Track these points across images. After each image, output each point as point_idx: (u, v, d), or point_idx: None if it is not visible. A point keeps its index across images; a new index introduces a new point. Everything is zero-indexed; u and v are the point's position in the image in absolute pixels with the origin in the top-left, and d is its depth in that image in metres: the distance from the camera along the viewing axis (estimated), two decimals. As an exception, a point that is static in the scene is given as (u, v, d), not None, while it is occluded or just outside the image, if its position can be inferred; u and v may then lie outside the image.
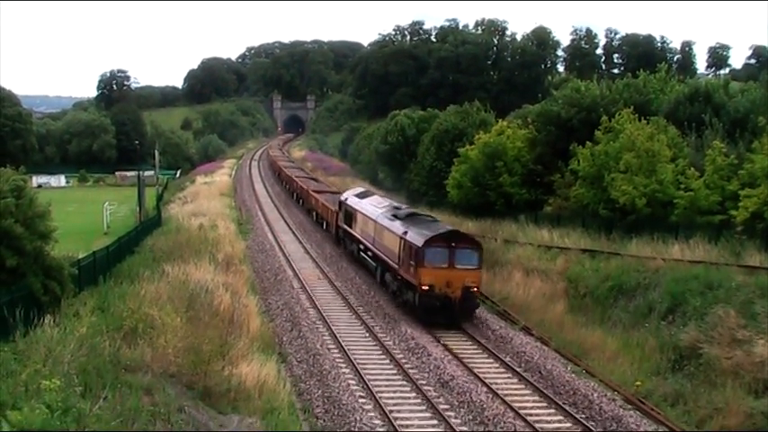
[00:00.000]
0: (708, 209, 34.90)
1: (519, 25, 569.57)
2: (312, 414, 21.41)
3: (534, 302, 33.32)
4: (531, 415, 21.73)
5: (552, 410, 22.56)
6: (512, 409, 22.07)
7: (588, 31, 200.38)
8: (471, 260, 30.81)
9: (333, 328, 29.85)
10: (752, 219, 31.55)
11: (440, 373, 25.14)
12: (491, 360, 27.18)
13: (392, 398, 22.78)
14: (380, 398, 22.40)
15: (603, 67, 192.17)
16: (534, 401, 23.28)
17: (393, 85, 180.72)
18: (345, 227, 44.67)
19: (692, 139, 41.97)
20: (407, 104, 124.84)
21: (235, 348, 23.01)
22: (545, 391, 23.84)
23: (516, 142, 50.83)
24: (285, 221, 60.84)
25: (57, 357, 16.10)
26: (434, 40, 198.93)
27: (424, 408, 22.30)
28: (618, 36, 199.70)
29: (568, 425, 21.52)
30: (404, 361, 26.42)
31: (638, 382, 23.71)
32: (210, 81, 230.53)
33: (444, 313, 30.26)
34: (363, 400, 22.34)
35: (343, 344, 27.68)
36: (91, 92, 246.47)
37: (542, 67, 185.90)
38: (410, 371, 25.27)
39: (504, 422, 21.17)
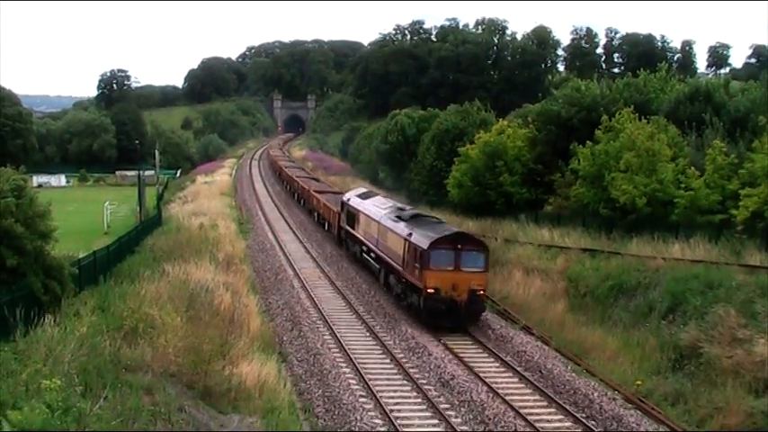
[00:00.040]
0: (708, 208, 34.90)
1: (519, 25, 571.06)
2: (312, 413, 21.42)
3: (534, 302, 33.32)
4: (531, 414, 21.73)
5: (552, 410, 22.57)
6: (512, 408, 22.07)
7: (588, 30, 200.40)
8: (478, 262, 30.16)
9: (333, 327, 29.85)
10: (752, 218, 31.56)
11: (440, 372, 25.14)
12: (491, 359, 27.18)
13: (392, 397, 22.79)
14: (381, 397, 22.40)
15: (604, 66, 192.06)
16: (535, 401, 23.28)
17: (393, 84, 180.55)
18: (348, 228, 44.08)
19: (693, 139, 41.97)
20: (408, 104, 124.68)
21: (235, 348, 23.02)
22: (545, 390, 23.84)
23: (516, 142, 50.82)
24: (285, 221, 60.85)
25: (57, 357, 16.11)
26: (435, 39, 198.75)
27: (424, 407, 22.31)
28: (618, 35, 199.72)
29: (569, 424, 21.53)
30: (404, 360, 26.43)
31: (639, 382, 23.72)
32: (211, 80, 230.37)
33: (450, 317, 29.60)
34: (364, 400, 22.34)
35: (343, 343, 27.69)
36: (91, 91, 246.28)
37: (542, 66, 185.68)
38: (410, 370, 25.28)
39: (505, 421, 21.17)
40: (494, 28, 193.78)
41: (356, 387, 23.37)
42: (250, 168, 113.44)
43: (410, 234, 31.72)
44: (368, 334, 29.71)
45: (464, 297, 29.38)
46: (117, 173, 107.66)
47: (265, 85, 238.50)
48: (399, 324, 30.87)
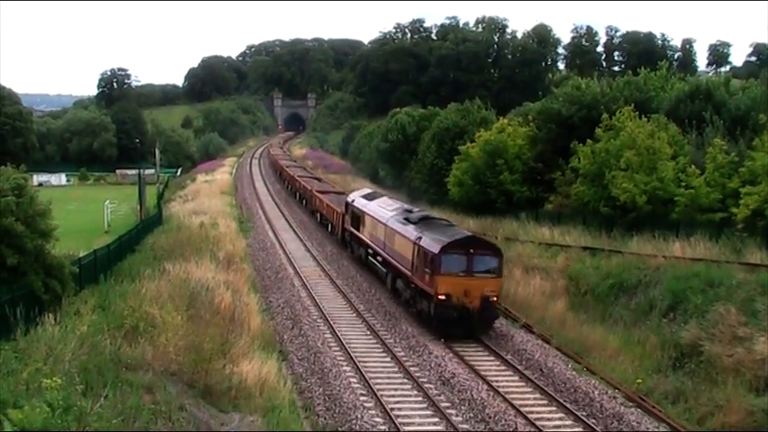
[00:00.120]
0: (708, 206, 34.91)
1: (519, 23, 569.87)
2: (313, 412, 21.41)
3: (535, 300, 33.30)
4: (532, 413, 21.74)
5: (553, 408, 22.58)
6: (513, 406, 22.08)
7: (589, 28, 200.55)
8: (491, 267, 29.03)
9: (334, 325, 29.86)
10: (752, 216, 31.57)
11: (441, 370, 25.15)
12: (492, 358, 27.18)
13: (393, 396, 22.79)
14: (381, 396, 22.41)
15: (604, 64, 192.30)
16: (535, 399, 23.29)
17: (394, 82, 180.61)
18: (352, 230, 42.97)
19: (693, 137, 41.99)
20: (408, 102, 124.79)
21: (236, 346, 23.01)
22: (546, 388, 23.84)
23: (517, 140, 50.83)
24: (286, 219, 60.86)
25: (58, 356, 16.12)
26: (435, 37, 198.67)
27: (425, 405, 22.31)
28: (618, 34, 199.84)
29: (569, 422, 21.52)
30: (405, 359, 26.44)
31: (639, 380, 23.72)
32: (211, 79, 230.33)
33: (462, 325, 28.39)
34: (364, 398, 22.35)
35: (344, 342, 27.70)
36: (91, 90, 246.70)
37: (543, 64, 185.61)
38: (411, 368, 25.29)
39: (506, 420, 21.18)
40: (494, 26, 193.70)
41: (357, 385, 23.38)
42: (250, 167, 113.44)
43: (420, 237, 30.63)
44: (368, 332, 29.71)
45: (476, 304, 28.18)
46: (117, 172, 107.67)
47: (266, 83, 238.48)
48: (400, 322, 30.87)
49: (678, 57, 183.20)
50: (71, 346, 16.83)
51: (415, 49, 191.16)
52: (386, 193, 51.78)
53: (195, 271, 31.81)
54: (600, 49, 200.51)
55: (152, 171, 79.91)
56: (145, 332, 20.80)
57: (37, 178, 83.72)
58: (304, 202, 66.80)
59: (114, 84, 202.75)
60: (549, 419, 21.58)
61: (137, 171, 67.97)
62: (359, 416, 20.79)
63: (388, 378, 24.49)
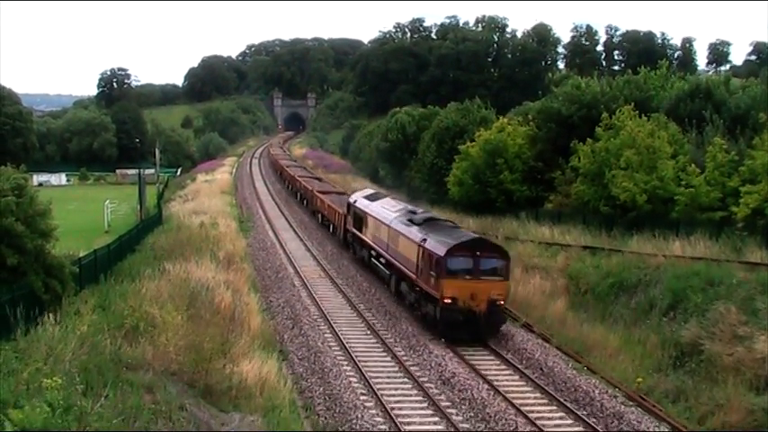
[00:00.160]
0: (708, 205, 34.92)
1: (519, 22, 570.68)
2: (314, 412, 21.41)
3: (535, 299, 33.29)
4: (532, 412, 21.74)
5: (554, 407, 22.58)
6: (513, 406, 22.09)
7: (588, 27, 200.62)
8: (497, 270, 28.45)
9: (334, 325, 29.86)
10: (753, 215, 31.58)
11: (441, 370, 25.16)
12: (492, 357, 27.18)
13: (394, 395, 22.79)
14: (382, 395, 22.41)
15: (604, 63, 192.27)
16: (535, 398, 23.29)
17: (393, 82, 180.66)
18: (354, 231, 42.26)
19: (693, 136, 42.00)
20: (408, 102, 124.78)
21: (236, 346, 23.00)
22: (546, 387, 23.84)
23: (517, 139, 50.83)
24: (286, 219, 60.86)
25: (58, 356, 16.12)
26: (435, 37, 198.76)
27: (425, 405, 22.32)
28: (618, 33, 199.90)
29: (570, 422, 21.53)
30: (405, 358, 26.44)
31: (640, 379, 23.73)
32: (211, 79, 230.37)
33: (468, 329, 27.75)
34: (365, 398, 22.35)
35: (344, 341, 27.70)
36: (91, 90, 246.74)
37: (543, 64, 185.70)
38: (411, 368, 25.29)
39: (506, 419, 21.19)
40: (494, 26, 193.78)
41: (357, 385, 23.39)
42: (250, 167, 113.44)
43: (424, 239, 29.94)
44: (369, 332, 29.71)
45: (483, 307, 27.56)
46: (117, 171, 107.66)
47: (265, 83, 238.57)
48: (400, 322, 30.87)
49: (678, 56, 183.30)
50: (71, 345, 16.83)
51: (414, 48, 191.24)
52: (388, 193, 51.30)
53: (195, 271, 31.81)
54: (600, 48, 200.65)
55: (152, 171, 79.86)
56: (145, 332, 20.80)
57: (37, 178, 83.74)
58: (305, 202, 66.14)
59: (114, 84, 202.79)
60: (549, 419, 21.59)
61: (137, 171, 67.99)
62: (359, 415, 20.79)
63: (389, 377, 24.49)
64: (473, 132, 55.47)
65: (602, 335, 28.15)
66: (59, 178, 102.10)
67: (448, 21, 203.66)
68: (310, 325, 29.79)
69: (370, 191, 48.15)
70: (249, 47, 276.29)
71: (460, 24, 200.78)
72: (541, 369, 25.53)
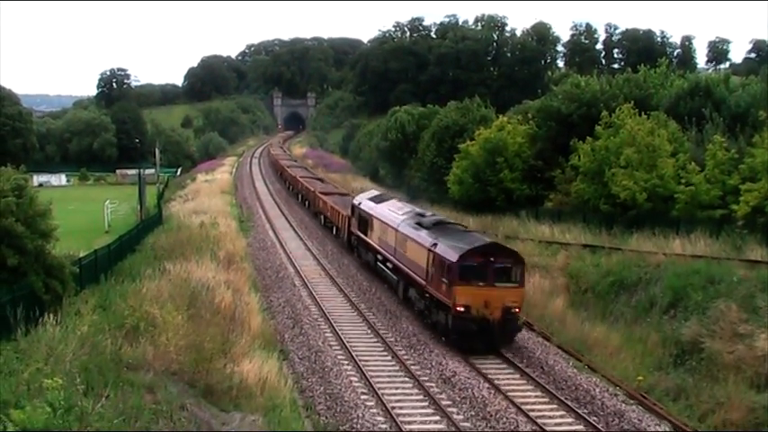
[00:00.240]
0: (709, 203, 34.94)
1: (519, 21, 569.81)
2: (314, 411, 21.41)
3: (535, 298, 33.28)
4: (533, 411, 21.74)
5: (554, 406, 22.57)
6: (514, 404, 22.09)
7: (588, 26, 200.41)
8: (512, 276, 27.02)
9: (334, 324, 29.85)
10: (753, 213, 31.61)
11: (441, 369, 25.16)
12: (492, 356, 27.11)
13: (394, 394, 22.78)
14: (383, 394, 22.41)
15: (603, 62, 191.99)
16: (536, 397, 23.28)
17: (393, 81, 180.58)
18: (359, 234, 41.00)
19: (693, 134, 42.03)
20: (408, 101, 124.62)
21: (236, 346, 23.01)
22: (547, 386, 23.84)
23: (517, 138, 50.84)
24: (286, 218, 60.84)
25: (58, 356, 16.13)
26: (434, 36, 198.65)
27: (426, 404, 22.31)
28: (618, 31, 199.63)
29: (570, 420, 21.52)
30: (406, 357, 26.43)
31: (640, 378, 23.74)
32: (211, 79, 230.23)
33: (482, 338, 26.52)
34: (365, 397, 22.36)
35: (344, 340, 27.69)
36: (91, 90, 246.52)
37: (542, 62, 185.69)
38: (412, 367, 25.28)
39: (507, 418, 21.19)
40: (493, 24, 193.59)
41: (358, 384, 23.40)
42: (250, 166, 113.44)
43: (435, 244, 28.62)
44: (369, 331, 29.70)
45: (497, 315, 26.33)
46: (117, 172, 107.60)
47: (265, 82, 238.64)
48: (400, 321, 30.88)
49: (678, 54, 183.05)
50: (72, 346, 16.84)
51: (414, 47, 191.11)
52: (394, 195, 50.60)
53: (195, 270, 31.81)
54: (599, 46, 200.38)
55: (152, 171, 79.78)
56: (145, 332, 20.80)
57: (37, 179, 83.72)
58: (307, 203, 65.19)
59: (114, 84, 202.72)
60: (550, 417, 21.58)
61: (137, 171, 67.93)
62: (360, 414, 20.80)
63: (389, 377, 24.48)
64: (473, 131, 55.47)
65: (602, 333, 28.16)
66: (59, 179, 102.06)
67: (447, 20, 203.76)
68: (311, 324, 29.80)
69: (374, 192, 47.23)
70: (249, 46, 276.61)
71: (460, 23, 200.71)
72: (542, 368, 25.54)
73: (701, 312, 25.45)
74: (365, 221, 39.80)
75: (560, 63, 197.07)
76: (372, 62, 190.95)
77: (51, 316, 19.09)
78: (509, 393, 22.98)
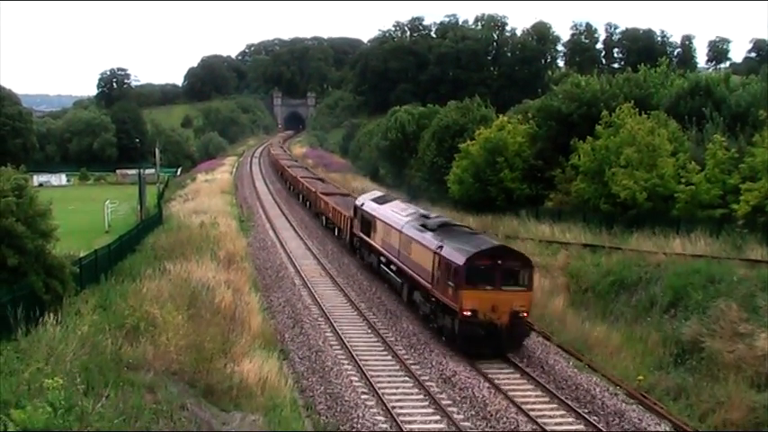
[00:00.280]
0: (709, 203, 34.94)
1: (519, 21, 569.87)
2: (315, 411, 21.41)
3: (535, 297, 33.16)
4: (533, 410, 21.74)
5: (554, 405, 22.56)
6: (514, 404, 22.09)
7: (588, 25, 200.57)
8: (520, 280, 26.46)
9: (335, 324, 29.85)
10: (753, 212, 31.60)
11: (442, 368, 25.16)
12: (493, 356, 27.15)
13: (395, 394, 22.78)
14: (383, 394, 22.41)
15: (604, 61, 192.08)
16: (537, 396, 23.28)
17: (393, 81, 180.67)
18: (362, 235, 40.35)
19: (693, 133, 42.03)
20: (408, 100, 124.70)
21: (237, 346, 23.02)
22: (547, 386, 23.84)
23: (517, 137, 50.83)
24: (286, 218, 60.84)
25: (59, 356, 16.13)
26: (434, 35, 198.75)
27: (426, 404, 22.31)
28: (618, 31, 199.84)
29: (571, 420, 21.52)
30: (406, 357, 26.43)
31: (641, 377, 23.74)
32: (211, 79, 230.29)
33: (489, 343, 25.98)
34: (366, 397, 22.36)
35: (345, 340, 27.70)
36: (91, 90, 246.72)
37: (542, 62, 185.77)
38: (412, 367, 25.28)
39: (507, 418, 21.19)
40: (493, 24, 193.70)
41: (358, 384, 23.40)
42: (251, 166, 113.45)
43: (440, 247, 27.98)
44: (369, 331, 29.70)
45: (505, 320, 25.72)
46: (117, 171, 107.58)
47: (265, 82, 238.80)
48: (401, 320, 30.88)
49: (678, 53, 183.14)
50: (72, 346, 16.85)
51: (414, 47, 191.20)
52: (397, 196, 50.03)
53: (196, 270, 31.82)
54: (599, 46, 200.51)
55: (152, 171, 79.73)
56: (146, 332, 20.81)
57: (37, 179, 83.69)
58: (308, 204, 64.43)
59: (114, 84, 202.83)
60: (550, 417, 21.58)
61: (137, 171, 67.95)
62: (360, 414, 20.81)
63: (390, 376, 24.48)
64: (473, 131, 55.44)
65: (602, 333, 28.15)
66: (59, 178, 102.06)
67: (447, 19, 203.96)
68: (311, 324, 29.80)
69: (377, 193, 46.38)
70: (249, 46, 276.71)
71: (460, 23, 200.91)
72: (542, 367, 25.53)
73: (702, 312, 25.45)
74: (368, 223, 39.23)
75: (560, 63, 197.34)
76: (372, 62, 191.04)
77: (51, 316, 19.09)
78: (509, 393, 22.97)
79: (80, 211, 62.63)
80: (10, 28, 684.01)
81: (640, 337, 27.06)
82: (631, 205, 37.31)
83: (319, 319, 30.86)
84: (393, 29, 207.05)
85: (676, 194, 35.91)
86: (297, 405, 21.24)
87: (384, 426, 20.41)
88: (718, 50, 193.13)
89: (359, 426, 20.22)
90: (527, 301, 26.53)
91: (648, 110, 43.21)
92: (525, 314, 26.34)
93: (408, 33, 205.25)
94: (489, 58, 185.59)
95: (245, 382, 20.56)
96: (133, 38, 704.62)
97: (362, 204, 41.49)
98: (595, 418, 21.43)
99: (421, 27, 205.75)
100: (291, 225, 57.19)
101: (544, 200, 47.24)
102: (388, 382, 23.88)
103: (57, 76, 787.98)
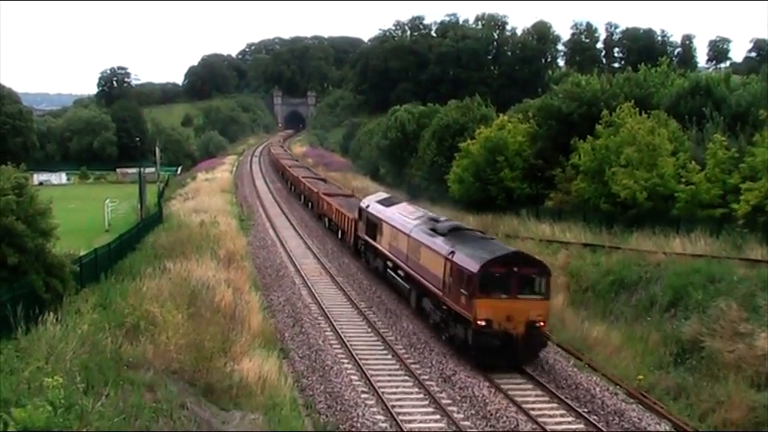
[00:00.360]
0: (709, 202, 34.92)
1: (519, 20, 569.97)
2: (314, 410, 21.41)
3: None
4: (533, 410, 21.74)
5: (554, 405, 22.57)
6: (514, 403, 22.09)
7: (588, 25, 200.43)
8: (537, 288, 25.33)
9: (335, 323, 29.86)
10: (753, 212, 31.58)
11: (442, 367, 25.16)
12: (493, 355, 27.13)
13: (395, 393, 22.78)
14: (383, 393, 22.41)
15: (604, 61, 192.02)
16: (536, 396, 23.28)
17: (393, 80, 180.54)
18: (367, 238, 39.19)
19: (693, 133, 42.01)
20: (408, 100, 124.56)
21: (237, 344, 23.02)
22: (547, 385, 23.84)
23: (517, 137, 50.82)
24: (286, 217, 60.84)
25: (59, 354, 16.14)
26: (435, 35, 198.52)
27: (426, 403, 22.31)
28: (618, 30, 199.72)
29: (570, 419, 21.53)
30: (406, 356, 26.43)
31: (641, 377, 23.74)
32: (211, 77, 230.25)
33: (504, 354, 24.81)
34: (366, 396, 22.36)
35: (345, 339, 27.70)
36: (91, 89, 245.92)
37: (543, 61, 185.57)
38: (412, 366, 25.28)
39: (507, 417, 21.19)
40: (494, 23, 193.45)
41: (358, 383, 23.40)
42: (251, 165, 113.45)
43: (452, 252, 26.85)
44: (369, 330, 29.71)
45: (521, 330, 24.59)
46: (118, 170, 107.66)
47: (265, 81, 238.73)
48: (401, 320, 30.88)
49: (678, 53, 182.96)
50: (72, 344, 16.85)
51: (414, 46, 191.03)
52: (404, 197, 48.91)
53: (196, 269, 31.81)
54: (600, 45, 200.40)
55: (152, 169, 79.74)
56: (146, 330, 20.81)
57: (37, 177, 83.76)
58: (310, 204, 63.42)
59: (114, 82, 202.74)
60: (550, 416, 21.59)
61: (137, 169, 67.98)
62: (360, 413, 20.81)
63: (390, 375, 24.49)
64: (473, 130, 55.43)
65: (602, 332, 28.15)
66: (60, 177, 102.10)
67: (448, 19, 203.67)
68: (311, 323, 29.81)
69: (383, 195, 44.95)
70: (249, 45, 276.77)
71: (460, 22, 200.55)
72: (542, 366, 25.53)
73: (702, 311, 25.44)
74: (374, 226, 38.02)
75: (561, 62, 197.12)
76: (373, 61, 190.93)
77: (52, 314, 19.11)
78: (509, 392, 22.98)
79: (80, 209, 62.62)
80: (10, 27, 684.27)
81: (640, 336, 27.06)
82: (631, 205, 37.29)
83: (319, 318, 30.87)
84: (393, 28, 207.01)
85: (676, 194, 35.90)
86: (296, 404, 21.24)
87: (384, 425, 20.41)
88: (718, 50, 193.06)
89: (359, 425, 20.22)
90: (544, 309, 25.36)
91: (649, 109, 43.19)
92: (542, 324, 25.09)
93: (409, 33, 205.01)
94: (489, 57, 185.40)
95: (244, 380, 20.56)
96: (134, 37, 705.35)
97: (368, 206, 40.31)
98: (595, 417, 21.44)
99: (421, 26, 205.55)
100: (291, 224, 57.19)
101: (544, 199, 47.23)
102: (388, 381, 23.88)
103: (57, 74, 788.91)
